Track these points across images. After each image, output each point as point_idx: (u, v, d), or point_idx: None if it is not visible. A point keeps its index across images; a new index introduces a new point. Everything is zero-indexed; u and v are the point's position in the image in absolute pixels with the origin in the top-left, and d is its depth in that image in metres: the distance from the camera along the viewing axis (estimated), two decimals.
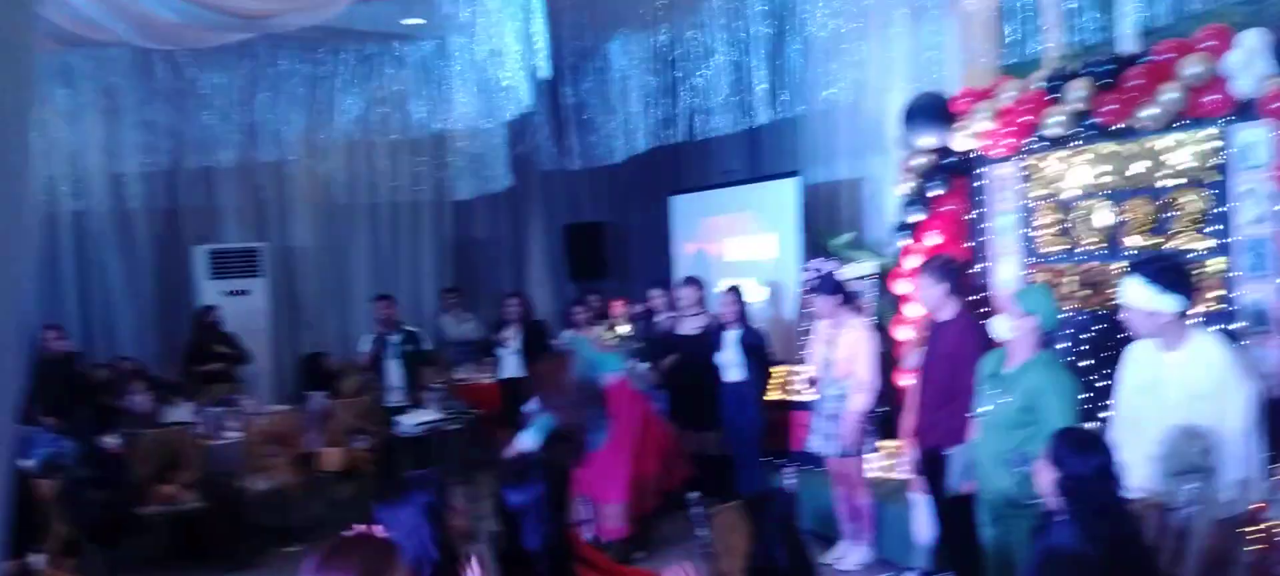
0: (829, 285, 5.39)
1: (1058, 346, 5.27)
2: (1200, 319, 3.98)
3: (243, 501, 6.17)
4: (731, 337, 5.82)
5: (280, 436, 6.69)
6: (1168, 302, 3.17)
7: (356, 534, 2.09)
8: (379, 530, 2.23)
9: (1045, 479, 2.68)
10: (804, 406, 6.31)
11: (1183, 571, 2.76)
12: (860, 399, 5.12)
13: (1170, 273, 3.26)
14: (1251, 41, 4.17)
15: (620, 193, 10.33)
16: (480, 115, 7.80)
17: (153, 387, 6.66)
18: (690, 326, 6.25)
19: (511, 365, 7.51)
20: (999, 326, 3.73)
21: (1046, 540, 2.70)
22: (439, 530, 2.50)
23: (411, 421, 6.58)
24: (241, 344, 7.82)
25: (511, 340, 7.53)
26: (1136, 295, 3.23)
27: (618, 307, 7.21)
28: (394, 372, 7.21)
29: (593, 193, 10.38)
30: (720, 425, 6.09)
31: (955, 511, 4.10)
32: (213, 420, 6.58)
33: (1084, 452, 2.65)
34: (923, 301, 4.48)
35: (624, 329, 6.99)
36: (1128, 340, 4.84)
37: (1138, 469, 3.38)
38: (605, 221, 10.09)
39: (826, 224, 7.72)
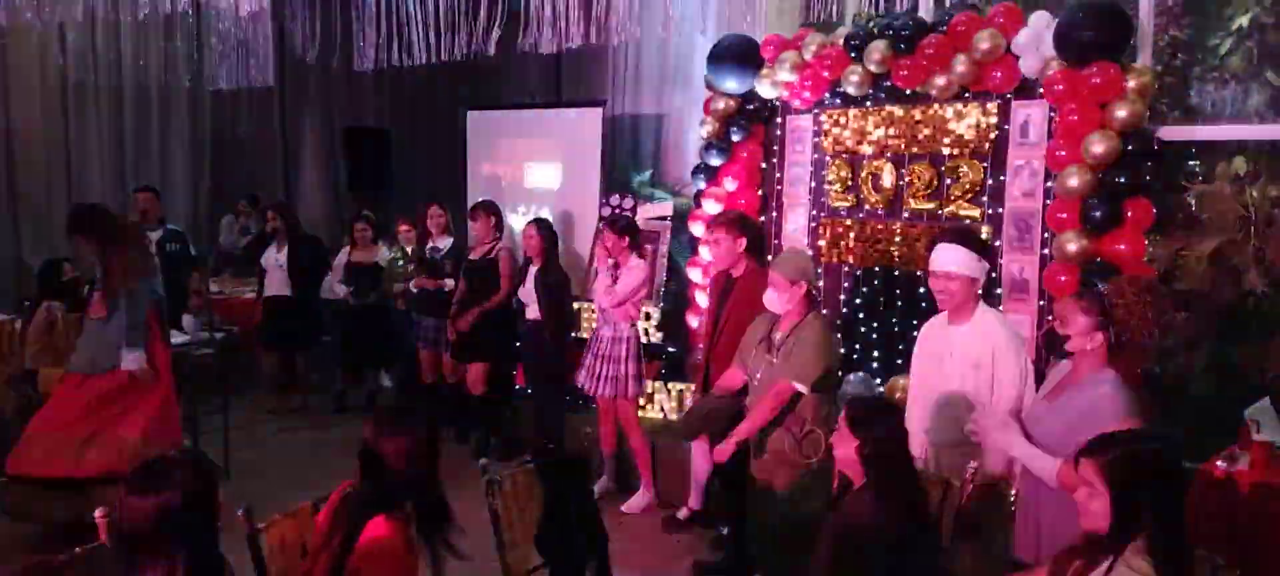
0: (620, 223, 5.26)
1: (842, 296, 5.50)
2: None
3: None
4: (532, 274, 5.57)
5: None
6: (981, 269, 3.29)
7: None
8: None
9: (845, 448, 2.65)
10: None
11: (944, 537, 2.87)
12: (630, 341, 5.12)
13: (978, 240, 3.37)
14: (1039, 22, 4.38)
15: (408, 100, 9.65)
16: None
17: None
18: (476, 254, 5.94)
19: (277, 282, 6.86)
20: (771, 301, 3.74)
21: (842, 507, 2.69)
22: (199, 534, 1.95)
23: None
24: None
25: (277, 254, 6.85)
26: (958, 259, 3.28)
27: (404, 228, 6.75)
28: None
29: (377, 97, 9.63)
30: (496, 359, 5.92)
31: (741, 461, 4.15)
32: None
33: (881, 419, 2.65)
34: (718, 256, 4.45)
35: (412, 249, 6.56)
36: (905, 297, 5.17)
37: (918, 440, 3.53)
38: (389, 128, 9.40)
39: (628, 158, 7.60)
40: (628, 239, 5.19)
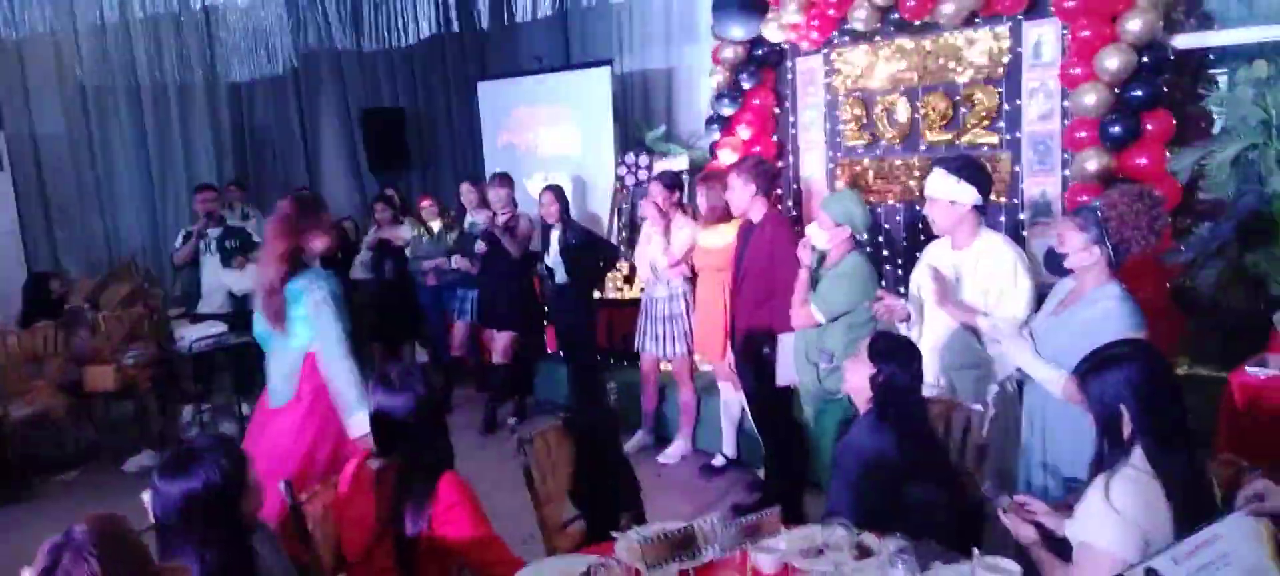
0: (668, 180, 5.29)
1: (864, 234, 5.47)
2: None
3: (3, 430, 5.47)
4: (555, 239, 5.62)
5: (38, 356, 5.93)
6: (966, 193, 3.28)
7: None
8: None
9: (858, 375, 2.70)
10: (623, 304, 6.28)
11: (964, 463, 2.90)
12: (685, 297, 5.15)
13: (969, 167, 3.37)
14: None
15: (422, 77, 9.68)
16: None
17: None
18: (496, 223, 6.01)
19: None
20: (815, 236, 3.75)
21: (850, 437, 2.74)
22: (224, 521, 1.97)
23: (193, 335, 5.96)
24: None
25: None
26: (939, 186, 3.32)
27: (425, 204, 6.81)
28: (213, 273, 6.34)
29: (391, 76, 9.66)
30: (523, 327, 6.01)
31: (774, 402, 4.21)
32: None
33: (902, 358, 2.68)
34: (733, 203, 4.46)
35: (435, 225, 6.62)
36: (926, 233, 5.14)
37: (928, 364, 3.55)
38: (405, 107, 9.45)
39: (640, 115, 7.58)
40: (677, 195, 5.20)
